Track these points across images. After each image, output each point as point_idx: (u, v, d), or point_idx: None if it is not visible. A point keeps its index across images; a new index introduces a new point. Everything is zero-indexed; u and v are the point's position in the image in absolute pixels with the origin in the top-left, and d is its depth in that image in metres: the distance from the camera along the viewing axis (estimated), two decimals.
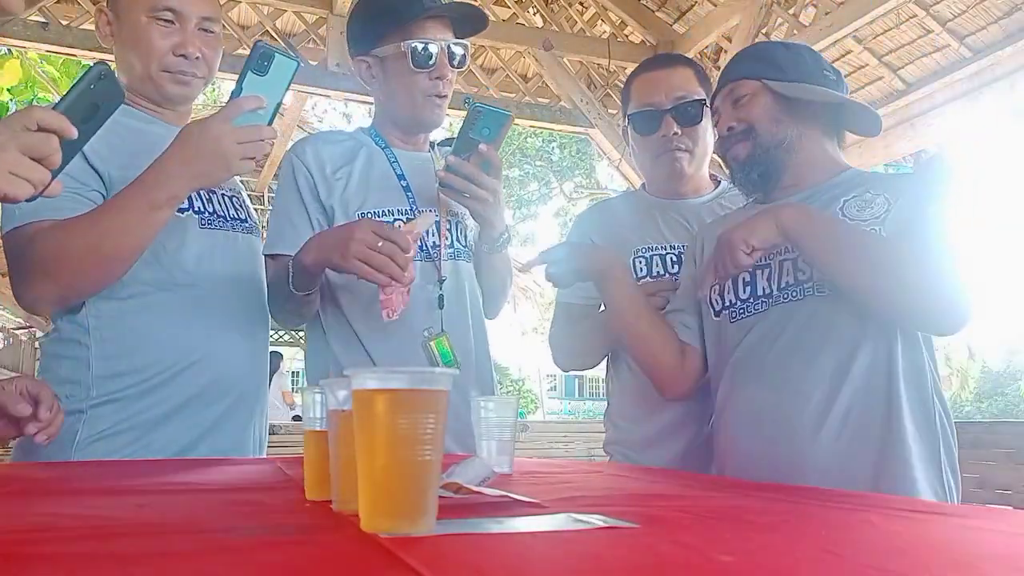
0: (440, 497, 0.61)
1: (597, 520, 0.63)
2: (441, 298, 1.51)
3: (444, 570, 0.48)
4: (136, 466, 1.15)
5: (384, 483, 0.59)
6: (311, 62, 4.33)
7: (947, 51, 3.90)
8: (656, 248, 1.66)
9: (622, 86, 1.82)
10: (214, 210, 1.46)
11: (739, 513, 0.78)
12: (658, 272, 1.64)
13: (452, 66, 1.51)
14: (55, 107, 0.96)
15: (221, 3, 4.10)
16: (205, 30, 1.44)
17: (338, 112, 12.52)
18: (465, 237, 1.60)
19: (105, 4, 1.46)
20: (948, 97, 4.01)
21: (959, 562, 0.56)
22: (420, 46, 1.46)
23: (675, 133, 1.62)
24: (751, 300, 1.35)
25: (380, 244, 1.27)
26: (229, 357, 1.42)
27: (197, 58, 1.42)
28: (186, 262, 1.39)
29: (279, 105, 1.29)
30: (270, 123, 1.29)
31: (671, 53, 3.41)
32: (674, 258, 1.64)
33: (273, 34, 4.30)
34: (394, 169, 1.56)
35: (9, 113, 0.94)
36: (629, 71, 1.82)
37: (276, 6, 4.31)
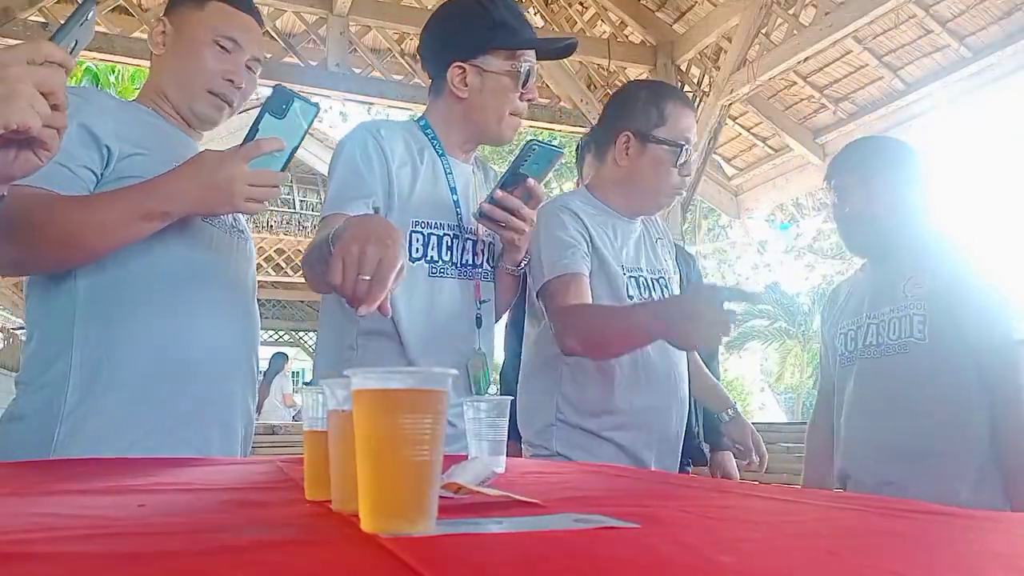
0: (440, 497, 0.61)
1: (597, 520, 0.63)
2: (480, 318, 1.58)
3: (444, 570, 0.47)
4: (136, 465, 1.14)
5: (384, 483, 0.59)
6: (311, 62, 4.33)
7: (947, 51, 3.90)
8: (632, 271, 1.77)
9: (621, 84, 1.85)
10: None
11: (739, 513, 0.78)
12: (632, 294, 1.73)
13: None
14: (52, 39, 0.97)
15: None
16: (250, 68, 1.50)
17: (336, 112, 12.52)
18: (493, 258, 1.66)
19: (164, 15, 1.50)
20: (948, 97, 4.02)
21: (959, 562, 0.56)
22: (528, 69, 1.57)
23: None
24: (852, 351, 1.83)
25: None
26: (216, 362, 1.40)
27: (240, 88, 1.47)
28: (174, 264, 1.37)
29: (295, 150, 1.27)
30: (284, 168, 1.28)
31: None
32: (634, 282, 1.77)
33: (273, 34, 4.30)
34: (448, 182, 1.60)
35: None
36: (629, 71, 1.87)
37: (276, 6, 4.31)
